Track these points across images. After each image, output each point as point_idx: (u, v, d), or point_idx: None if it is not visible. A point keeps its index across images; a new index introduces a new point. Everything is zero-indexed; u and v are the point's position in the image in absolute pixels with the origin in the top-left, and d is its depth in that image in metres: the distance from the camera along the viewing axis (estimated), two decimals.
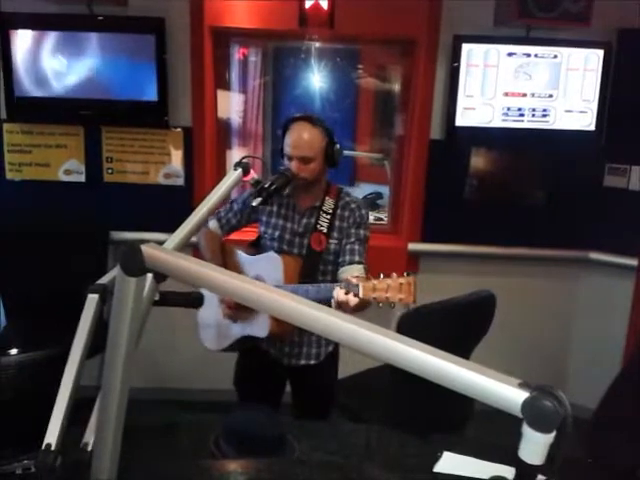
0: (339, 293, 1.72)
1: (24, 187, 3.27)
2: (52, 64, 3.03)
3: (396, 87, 3.60)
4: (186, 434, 1.64)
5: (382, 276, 1.73)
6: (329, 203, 2.03)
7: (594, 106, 3.15)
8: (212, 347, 2.13)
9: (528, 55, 3.09)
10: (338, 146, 2.00)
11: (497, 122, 3.16)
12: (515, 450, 0.67)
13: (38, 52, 3.01)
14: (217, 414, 1.67)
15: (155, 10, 3.01)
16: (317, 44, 3.57)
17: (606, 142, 3.22)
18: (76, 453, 1.08)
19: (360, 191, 4.32)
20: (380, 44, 3.59)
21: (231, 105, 3.72)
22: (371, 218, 3.76)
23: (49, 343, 1.45)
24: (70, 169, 3.25)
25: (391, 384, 2.13)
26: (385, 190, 3.88)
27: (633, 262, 3.16)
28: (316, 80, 4.03)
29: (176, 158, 3.26)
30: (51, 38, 3.01)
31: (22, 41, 3.00)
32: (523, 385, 0.66)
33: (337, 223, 2.03)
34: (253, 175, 1.89)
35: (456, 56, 3.08)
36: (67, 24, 3.02)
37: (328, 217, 2.02)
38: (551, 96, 3.14)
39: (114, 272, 1.04)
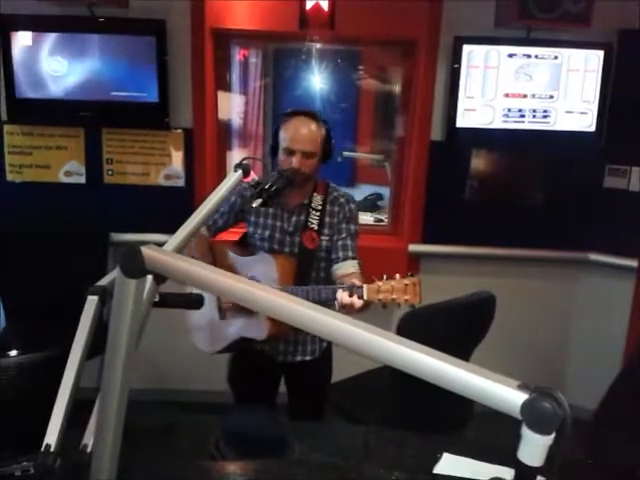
0: (343, 296, 1.72)
1: (24, 189, 3.28)
2: (53, 66, 3.03)
3: (397, 88, 3.60)
4: (185, 435, 1.64)
5: (385, 277, 1.73)
6: (317, 199, 2.03)
7: (594, 107, 3.15)
8: (206, 349, 2.10)
9: (528, 56, 3.09)
10: (333, 141, 2.01)
11: (498, 123, 3.16)
12: (514, 451, 0.67)
13: (39, 54, 3.02)
14: (216, 415, 1.68)
15: (156, 12, 3.02)
16: (318, 45, 3.58)
17: (606, 143, 3.21)
18: (75, 454, 1.08)
19: (360, 192, 4.32)
20: (381, 45, 3.59)
21: (232, 106, 3.72)
22: (371, 219, 3.81)
23: (49, 345, 1.46)
24: (70, 170, 3.25)
25: (390, 386, 2.13)
26: (385, 191, 3.88)
27: (633, 263, 3.16)
28: (317, 81, 4.03)
29: (176, 159, 3.26)
30: (52, 40, 3.01)
31: (23, 43, 3.00)
32: (522, 387, 0.66)
33: (327, 219, 2.03)
34: (253, 176, 1.89)
35: (457, 57, 3.09)
36: (68, 26, 3.02)
37: (318, 214, 2.01)
38: (552, 97, 3.14)
39: (114, 274, 1.04)
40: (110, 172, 3.26)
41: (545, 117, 3.16)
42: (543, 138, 3.19)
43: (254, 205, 1.81)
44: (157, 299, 1.14)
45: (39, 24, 3.00)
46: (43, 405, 1.08)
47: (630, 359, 2.62)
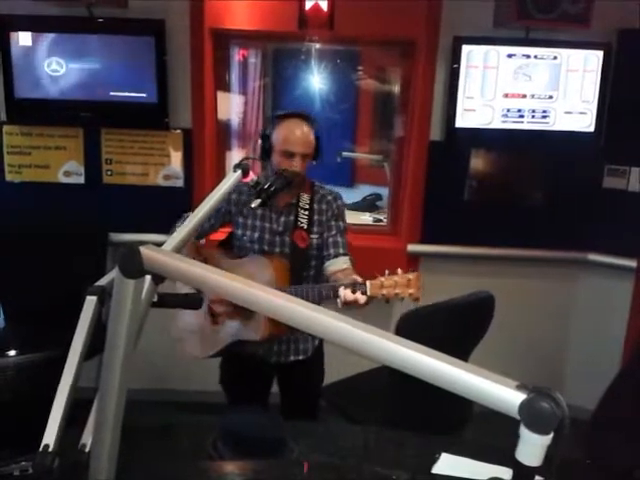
0: (346, 293, 1.73)
1: (23, 189, 3.27)
2: (52, 66, 3.03)
3: (396, 88, 3.60)
4: (184, 435, 1.64)
5: (387, 273, 1.74)
6: (305, 198, 2.03)
7: (594, 107, 3.15)
8: (198, 354, 2.08)
9: (528, 56, 3.10)
10: (321, 141, 2.01)
11: (497, 123, 3.16)
12: (513, 452, 0.67)
13: (38, 54, 3.02)
14: (215, 415, 1.67)
15: (155, 12, 3.01)
16: (317, 46, 3.58)
17: (605, 143, 3.21)
18: (74, 454, 1.08)
19: (359, 192, 4.33)
20: (380, 45, 3.60)
21: (231, 107, 3.72)
22: (370, 219, 3.81)
23: (47, 345, 1.45)
24: (69, 171, 3.25)
25: (389, 386, 2.13)
26: (385, 191, 3.89)
27: (632, 263, 3.16)
28: (316, 82, 4.04)
29: (176, 160, 3.26)
30: (51, 40, 3.01)
31: (22, 43, 3.00)
32: (520, 387, 0.66)
33: (316, 217, 2.03)
34: (252, 176, 1.89)
35: (456, 57, 3.09)
36: (67, 26, 3.02)
37: (306, 213, 2.01)
38: (551, 97, 3.14)
39: (113, 274, 1.04)
40: (109, 172, 3.26)
41: (544, 117, 3.16)
42: (542, 138, 3.19)
43: (253, 205, 1.81)
44: (156, 299, 1.15)
45: (38, 24, 3.00)
46: (42, 405, 1.08)
47: (629, 359, 2.62)
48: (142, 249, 0.91)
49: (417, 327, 1.98)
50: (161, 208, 3.16)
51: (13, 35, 2.98)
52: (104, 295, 1.17)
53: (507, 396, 0.66)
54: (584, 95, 3.15)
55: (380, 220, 3.78)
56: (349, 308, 1.74)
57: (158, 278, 1.00)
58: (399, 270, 1.76)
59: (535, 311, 3.43)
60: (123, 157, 3.25)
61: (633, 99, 3.10)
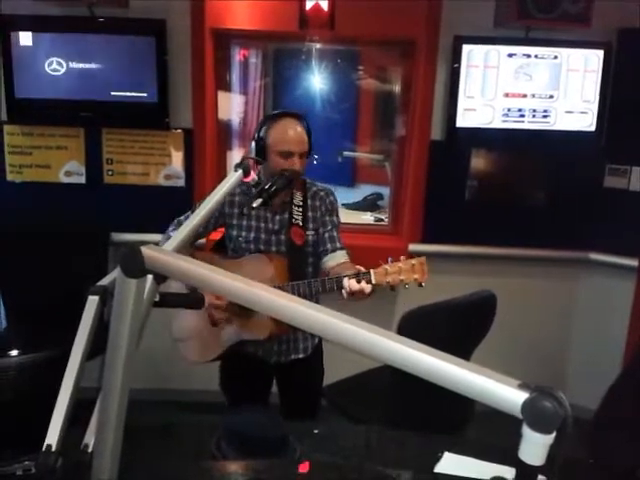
0: (351, 283, 1.73)
1: (25, 189, 3.28)
2: (52, 66, 3.03)
3: (396, 88, 3.60)
4: (186, 435, 1.64)
5: (391, 260, 1.75)
6: (298, 196, 2.04)
7: (594, 107, 3.15)
8: (198, 359, 2.07)
9: (528, 56, 3.10)
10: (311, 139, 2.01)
11: (497, 123, 3.16)
12: (515, 451, 0.67)
13: (39, 54, 3.02)
14: (217, 415, 1.67)
15: (156, 12, 3.02)
16: (317, 45, 3.58)
17: (606, 143, 3.21)
18: (77, 454, 1.08)
19: (361, 192, 4.32)
20: (380, 45, 3.59)
21: (232, 106, 3.72)
22: (371, 219, 3.81)
23: (49, 345, 1.46)
24: (70, 171, 3.25)
25: (391, 385, 2.13)
26: (385, 191, 3.88)
27: (633, 263, 3.16)
28: (316, 81, 4.03)
29: (176, 159, 3.26)
30: (52, 40, 3.01)
31: (23, 43, 3.00)
32: (523, 386, 0.66)
33: (310, 214, 2.04)
34: (254, 176, 1.89)
35: (456, 57, 3.09)
36: (68, 26, 3.02)
37: (300, 210, 2.02)
38: (551, 97, 3.14)
39: (114, 274, 1.04)
40: (110, 172, 3.26)
41: (545, 117, 3.16)
42: (543, 138, 3.19)
43: (254, 205, 1.81)
44: (157, 299, 1.15)
45: (39, 24, 3.01)
46: (44, 405, 1.08)
47: (631, 358, 2.62)
48: (143, 249, 0.91)
49: (419, 326, 1.98)
50: (162, 208, 3.14)
51: (14, 35, 2.98)
52: (106, 295, 1.17)
53: (509, 395, 0.66)
54: (585, 95, 3.15)
55: (381, 220, 3.78)
56: (355, 299, 1.75)
57: (160, 278, 1.00)
58: (402, 257, 1.77)
59: (536, 310, 3.43)
60: (124, 157, 3.25)
61: (634, 98, 3.10)
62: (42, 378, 1.50)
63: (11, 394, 1.53)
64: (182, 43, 3.10)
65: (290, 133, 1.92)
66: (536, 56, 3.10)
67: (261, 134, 1.96)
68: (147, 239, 1.13)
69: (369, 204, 4.05)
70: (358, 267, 1.81)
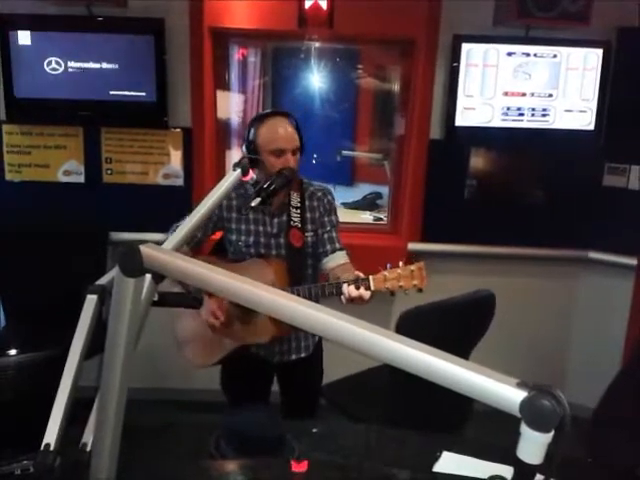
0: (350, 290, 1.74)
1: (23, 188, 3.27)
2: (51, 65, 3.03)
3: (396, 87, 3.60)
4: (185, 434, 1.64)
5: (389, 266, 1.75)
6: (295, 197, 2.02)
7: (593, 105, 3.15)
8: (202, 363, 2.06)
9: (527, 55, 3.09)
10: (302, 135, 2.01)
11: (497, 122, 3.16)
12: (514, 450, 0.67)
13: (37, 53, 3.01)
14: (216, 414, 1.67)
15: (154, 11, 3.01)
16: (316, 44, 3.57)
17: (605, 141, 3.21)
18: (75, 453, 1.08)
19: (360, 191, 4.32)
20: (379, 44, 3.59)
21: (230, 105, 3.71)
22: (370, 218, 3.81)
23: (48, 344, 1.45)
24: (69, 170, 3.25)
25: (390, 384, 2.13)
26: (385, 190, 3.88)
27: (632, 261, 3.16)
28: (315, 80, 4.03)
29: (175, 158, 3.26)
30: (50, 39, 3.01)
31: (21, 42, 2.99)
32: (521, 384, 0.66)
33: (308, 215, 2.03)
34: (252, 175, 1.88)
35: (455, 56, 3.08)
36: (66, 25, 3.02)
37: (298, 211, 2.01)
38: (551, 96, 3.14)
39: (113, 273, 1.04)
40: (109, 171, 3.26)
41: (544, 115, 3.16)
42: (542, 136, 3.19)
43: (253, 204, 1.80)
44: (156, 298, 1.15)
45: (37, 23, 3.00)
46: (42, 404, 1.08)
47: (630, 357, 2.62)
48: (142, 248, 0.91)
49: (417, 325, 1.98)
50: (161, 207, 3.16)
51: (12, 34, 2.98)
52: (104, 294, 1.17)
53: (508, 394, 0.66)
54: (584, 93, 3.14)
55: (380, 219, 3.78)
56: (353, 304, 1.75)
57: (158, 277, 1.00)
58: (400, 263, 1.77)
59: (536, 309, 3.43)
60: (123, 156, 3.25)
61: (633, 97, 3.10)
62: (41, 377, 1.50)
63: (10, 393, 1.53)
64: (181, 42, 3.09)
65: (280, 131, 1.92)
66: (535, 55, 3.10)
67: (250, 137, 1.95)
68: (146, 238, 1.13)
69: (368, 203, 4.05)
70: (357, 273, 1.81)
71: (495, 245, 3.32)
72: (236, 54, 3.79)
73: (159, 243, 1.08)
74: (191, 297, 1.25)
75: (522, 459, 0.67)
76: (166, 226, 2.08)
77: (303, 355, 2.14)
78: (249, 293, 0.86)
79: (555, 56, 3.10)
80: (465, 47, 3.07)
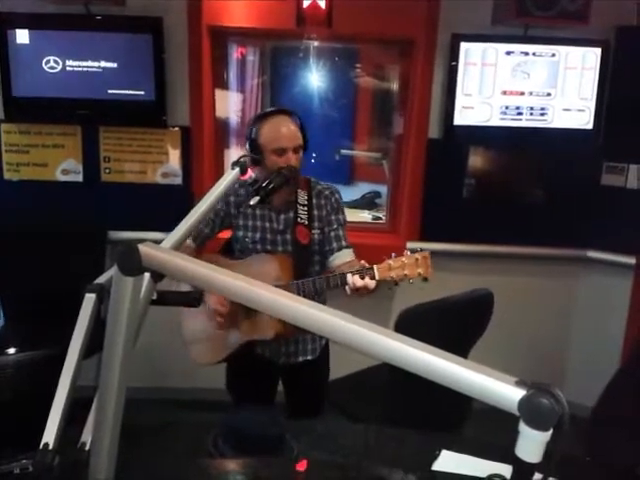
0: (355, 280, 1.73)
1: (22, 187, 3.27)
2: (49, 64, 3.02)
3: (394, 86, 3.60)
4: (184, 433, 1.64)
5: (394, 255, 1.75)
6: (302, 195, 2.02)
7: (592, 104, 3.15)
8: (208, 361, 2.07)
9: (526, 54, 3.10)
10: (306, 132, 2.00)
11: (495, 121, 3.16)
12: (512, 448, 0.67)
13: (35, 52, 3.01)
14: (215, 413, 1.67)
15: (153, 10, 3.01)
16: (315, 43, 3.57)
17: (604, 141, 3.22)
18: (74, 452, 1.08)
19: (358, 190, 4.32)
20: (378, 43, 3.59)
21: (229, 104, 3.71)
22: (369, 217, 3.81)
23: (47, 343, 1.45)
24: (67, 169, 3.25)
25: (389, 383, 2.13)
26: (383, 189, 3.88)
27: (631, 260, 3.17)
28: (314, 79, 4.03)
29: (174, 157, 3.26)
30: (49, 38, 3.00)
31: (19, 41, 2.99)
32: (520, 383, 0.66)
33: (316, 212, 2.03)
34: (251, 174, 1.88)
35: (454, 55, 3.09)
36: (64, 24, 3.01)
37: (305, 209, 2.00)
38: (549, 95, 3.14)
39: (111, 271, 1.04)
40: (107, 170, 3.26)
41: (542, 114, 3.16)
42: (541, 136, 3.19)
43: (252, 203, 1.81)
44: (155, 297, 1.14)
45: (36, 22, 3.00)
46: (41, 403, 1.08)
47: (628, 356, 2.62)
48: (140, 247, 0.90)
49: (416, 324, 1.98)
50: (159, 206, 3.18)
51: (10, 33, 2.98)
52: (103, 293, 1.17)
53: (506, 392, 0.66)
54: (582, 92, 3.15)
55: (379, 218, 3.78)
56: (359, 295, 1.75)
57: (157, 276, 1.00)
58: (407, 251, 1.76)
59: (534, 308, 3.44)
60: (121, 155, 3.24)
61: (631, 96, 3.10)
62: (39, 376, 1.50)
63: (9, 392, 1.53)
64: (179, 41, 3.09)
65: (282, 130, 1.91)
66: (534, 54, 3.10)
67: (253, 135, 1.95)
68: (145, 237, 1.12)
69: (367, 202, 4.05)
70: (362, 262, 1.81)
71: (494, 244, 3.32)
72: (235, 53, 3.79)
73: (158, 242, 1.07)
74: (190, 296, 1.24)
75: (521, 458, 0.67)
76: (164, 225, 2.07)
77: (309, 358, 2.13)
78: (248, 292, 0.85)
79: (554, 55, 3.10)
80: (464, 46, 3.07)
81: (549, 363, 3.47)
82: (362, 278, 1.73)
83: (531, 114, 3.16)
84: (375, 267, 1.75)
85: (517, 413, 0.65)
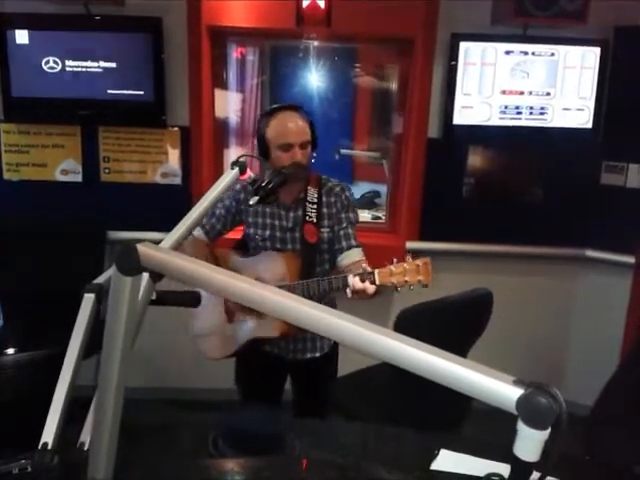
0: (355, 282, 1.73)
1: (21, 187, 3.27)
2: (49, 64, 3.02)
3: (394, 86, 3.60)
4: (184, 433, 1.64)
5: (396, 261, 1.74)
6: (312, 192, 2.01)
7: (591, 104, 3.15)
8: (216, 356, 2.06)
9: (525, 53, 3.10)
10: (315, 129, 2.00)
11: (495, 120, 3.16)
12: (511, 448, 0.68)
13: (35, 52, 3.01)
14: (216, 413, 1.67)
15: (152, 10, 3.01)
16: (314, 43, 3.58)
17: (603, 140, 3.22)
18: (73, 452, 1.08)
19: (358, 190, 4.31)
20: (378, 43, 3.59)
21: (228, 104, 3.71)
22: (369, 217, 3.81)
23: (46, 343, 1.45)
24: (67, 169, 3.25)
25: (388, 383, 2.13)
26: (383, 189, 3.88)
27: (630, 260, 3.17)
28: (314, 79, 4.02)
29: (173, 157, 3.26)
30: (48, 38, 3.00)
31: (19, 41, 2.99)
32: (518, 382, 0.66)
33: (325, 210, 2.01)
34: (250, 174, 1.88)
35: (453, 54, 3.09)
36: (64, 24, 3.02)
37: (315, 207, 1.99)
38: (548, 94, 3.14)
39: (110, 271, 1.04)
40: (107, 170, 3.26)
41: (542, 114, 3.16)
42: (540, 135, 3.20)
43: (251, 203, 1.80)
44: (154, 297, 1.14)
45: (35, 22, 3.00)
46: (40, 403, 1.08)
47: (627, 355, 2.63)
48: (139, 247, 0.90)
49: (415, 324, 1.98)
50: (159, 206, 3.18)
51: (10, 33, 2.98)
52: (102, 293, 1.17)
53: (504, 391, 0.66)
54: (582, 92, 3.15)
55: (378, 217, 3.78)
56: (359, 298, 1.74)
57: (156, 276, 1.00)
58: (408, 257, 1.76)
59: (534, 308, 3.44)
60: (121, 155, 3.24)
61: (630, 95, 3.11)
62: (39, 376, 1.50)
63: (8, 392, 1.53)
64: (179, 41, 3.09)
65: (288, 125, 1.91)
66: (533, 53, 3.10)
67: (261, 131, 1.95)
68: (144, 237, 1.12)
69: (366, 202, 4.05)
70: (364, 266, 1.80)
71: (493, 243, 3.32)
72: (234, 53, 3.78)
73: (157, 242, 1.07)
74: (189, 296, 1.25)
75: (519, 456, 0.67)
76: (164, 225, 2.07)
77: (317, 355, 2.13)
78: (247, 292, 0.85)
79: (553, 54, 3.10)
80: (463, 46, 3.07)
81: (548, 362, 3.48)
82: (362, 281, 1.73)
83: (530, 113, 3.16)
84: (376, 271, 1.74)
85: (515, 412, 0.65)
